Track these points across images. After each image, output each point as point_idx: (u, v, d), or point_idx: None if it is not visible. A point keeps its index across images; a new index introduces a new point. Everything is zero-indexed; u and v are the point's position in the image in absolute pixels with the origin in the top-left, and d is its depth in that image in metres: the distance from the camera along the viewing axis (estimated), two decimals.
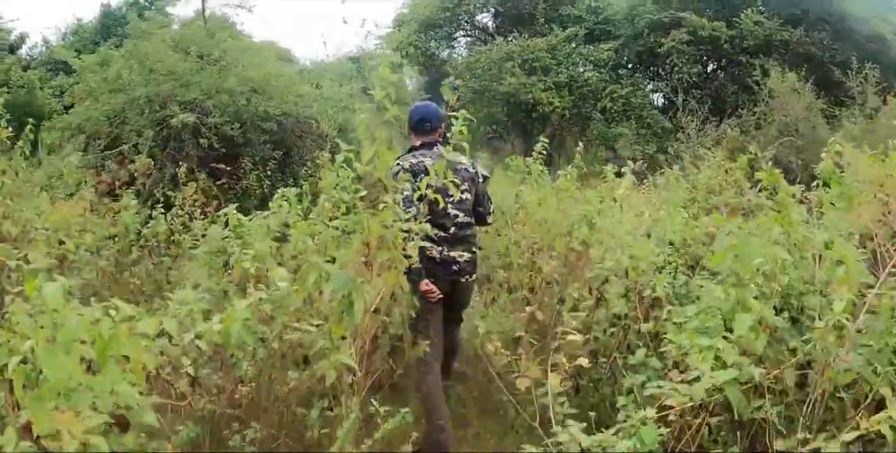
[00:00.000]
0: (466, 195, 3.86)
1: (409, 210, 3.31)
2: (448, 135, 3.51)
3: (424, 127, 3.94)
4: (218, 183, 9.69)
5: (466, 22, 21.94)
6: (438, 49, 21.22)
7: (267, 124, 10.61)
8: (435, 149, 3.78)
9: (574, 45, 17.76)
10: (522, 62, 16.65)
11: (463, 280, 3.86)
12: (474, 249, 3.94)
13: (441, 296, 3.71)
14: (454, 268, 3.80)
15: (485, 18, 22.50)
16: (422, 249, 3.45)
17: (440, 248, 3.75)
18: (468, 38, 22.08)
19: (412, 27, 20.13)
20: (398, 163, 3.77)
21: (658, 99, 18.26)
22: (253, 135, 10.76)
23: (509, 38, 17.34)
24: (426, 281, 3.63)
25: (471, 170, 3.99)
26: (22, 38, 21.70)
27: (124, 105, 10.82)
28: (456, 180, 3.44)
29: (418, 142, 3.95)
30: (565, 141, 17.47)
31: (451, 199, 3.64)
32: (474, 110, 16.65)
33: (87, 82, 11.83)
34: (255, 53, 11.57)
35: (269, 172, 10.80)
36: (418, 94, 23.40)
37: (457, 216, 3.80)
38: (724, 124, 14.49)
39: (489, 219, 4.18)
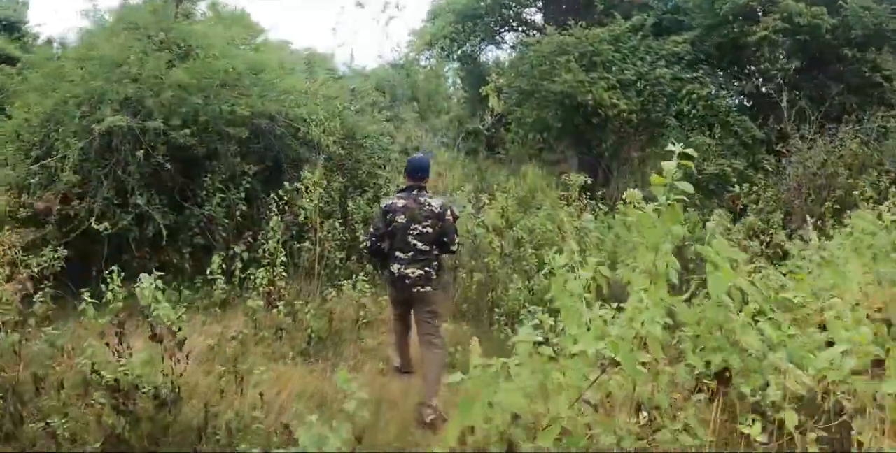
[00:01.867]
0: (428, 229, 5.06)
1: (369, 240, 5.35)
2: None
3: (416, 175, 5.29)
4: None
5: (511, 17, 19.09)
6: (479, 43, 18.33)
7: (236, 129, 7.77)
8: (414, 192, 5.19)
9: (640, 37, 14.62)
10: (580, 56, 13.61)
11: (415, 290, 5.09)
12: (427, 268, 5.07)
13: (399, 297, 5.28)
14: (407, 281, 5.08)
15: (532, 13, 19.61)
16: (387, 265, 5.21)
17: (399, 266, 5.09)
18: (513, 33, 19.15)
19: (448, 19, 17.29)
20: (381, 202, 5.64)
21: (739, 102, 14.95)
22: (220, 144, 7.94)
23: (562, 29, 14.29)
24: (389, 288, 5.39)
25: (437, 210, 5.12)
26: (49, 43, 20.46)
27: (56, 106, 8.13)
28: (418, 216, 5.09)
29: (406, 185, 5.35)
30: (628, 152, 14.37)
31: (414, 232, 5.06)
32: (522, 114, 13.66)
33: (29, 80, 9.17)
34: (229, 39, 8.75)
35: (241, 195, 7.98)
36: (456, 94, 20.59)
37: (416, 245, 5.06)
38: (840, 133, 11.23)
39: (451, 248, 5.28)
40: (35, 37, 21.37)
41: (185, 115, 7.52)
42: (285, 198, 7.35)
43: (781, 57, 14.04)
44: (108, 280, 5.14)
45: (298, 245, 7.45)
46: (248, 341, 6.03)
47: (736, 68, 15.15)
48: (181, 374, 4.62)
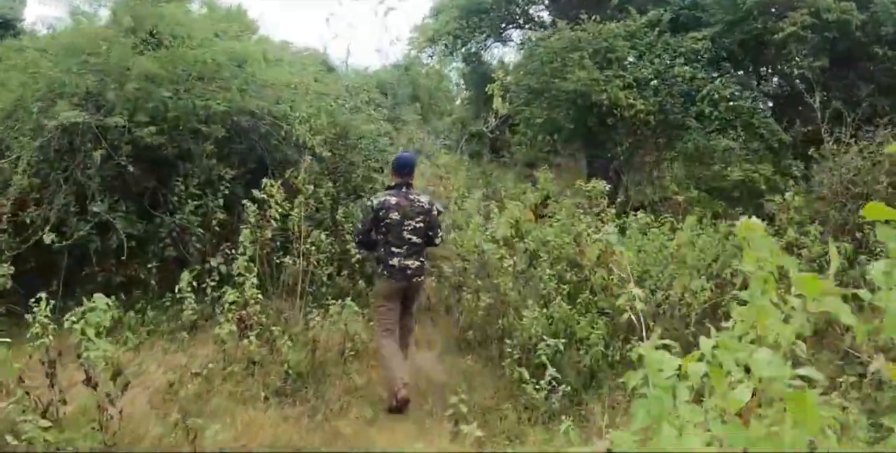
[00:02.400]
0: (420, 224, 5.41)
1: (357, 237, 5.93)
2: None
3: (403, 171, 5.61)
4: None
5: (518, 14, 18.18)
6: (485, 41, 17.40)
7: (212, 127, 6.86)
8: (404, 189, 5.51)
9: (657, 33, 13.66)
10: (593, 52, 12.66)
11: (414, 280, 5.43)
12: (422, 259, 5.49)
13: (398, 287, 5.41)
14: (408, 272, 5.37)
15: (540, 9, 18.67)
16: (384, 260, 5.38)
17: (398, 259, 5.34)
18: (519, 31, 18.23)
19: (452, 14, 16.36)
20: (370, 200, 5.69)
21: (763, 103, 13.99)
22: (195, 143, 7.02)
23: (574, 24, 13.34)
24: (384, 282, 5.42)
25: (426, 206, 5.50)
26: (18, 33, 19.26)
27: (18, 101, 7.24)
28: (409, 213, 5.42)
29: (394, 182, 5.64)
30: (643, 155, 13.42)
31: (408, 227, 5.40)
32: (531, 114, 12.72)
33: None
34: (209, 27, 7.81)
35: (219, 201, 7.08)
36: (460, 94, 19.74)
37: (410, 238, 5.38)
38: (879, 137, 10.28)
39: (436, 242, 5.66)
40: (33, 35, 20.56)
41: (152, 111, 6.60)
42: (268, 203, 6.37)
43: (807, 55, 13.08)
44: (37, 306, 4.21)
45: (279, 260, 6.52)
46: (215, 377, 5.10)
47: (759, 67, 14.19)
48: (117, 429, 3.69)
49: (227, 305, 5.32)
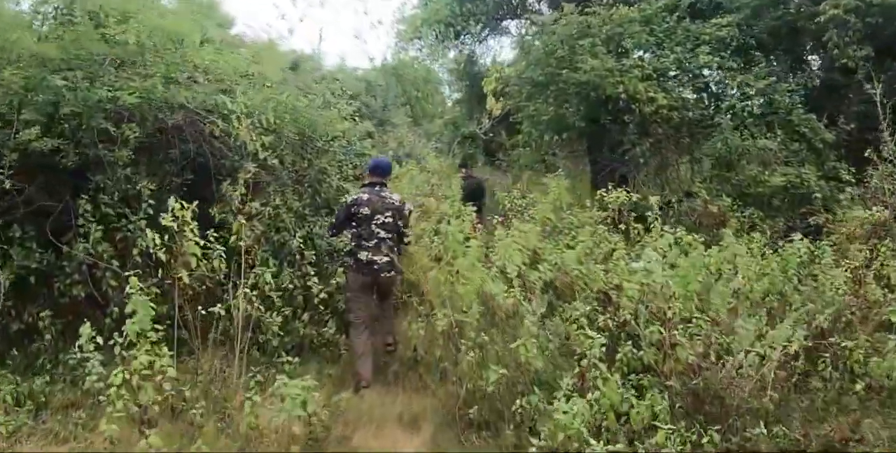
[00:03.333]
0: (388, 219, 5.48)
1: (330, 230, 6.09)
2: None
3: (376, 172, 5.79)
4: None
5: (515, 4, 16.49)
6: (480, 31, 15.73)
7: (122, 127, 5.16)
8: (377, 188, 5.65)
9: (676, 18, 11.97)
10: (606, 39, 10.97)
11: (382, 275, 5.44)
12: (391, 255, 5.46)
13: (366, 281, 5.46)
14: (374, 267, 5.41)
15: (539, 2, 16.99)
16: (354, 253, 5.48)
17: (366, 253, 5.41)
18: (517, 21, 16.53)
19: (444, 1, 14.68)
20: (346, 197, 6.08)
21: (800, 97, 12.28)
22: (104, 149, 5.32)
23: (584, 5, 11.63)
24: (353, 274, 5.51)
25: (396, 203, 5.62)
26: None
27: None
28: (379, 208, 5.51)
29: (367, 181, 5.82)
30: (664, 157, 11.77)
31: (377, 221, 5.48)
32: (535, 110, 11.03)
33: None
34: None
35: (141, 223, 5.38)
36: (453, 93, 18.26)
37: (379, 233, 5.44)
38: None
39: (405, 239, 5.73)
40: None
41: (40, 107, 4.89)
42: (181, 234, 4.63)
43: (849, 43, 11.44)
44: None
45: (205, 310, 4.80)
46: None
47: (793, 57, 12.53)
48: None
49: (113, 391, 3.59)
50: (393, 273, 5.52)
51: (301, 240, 5.93)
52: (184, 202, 4.62)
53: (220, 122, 5.42)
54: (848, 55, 11.40)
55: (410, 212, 5.85)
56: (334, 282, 6.03)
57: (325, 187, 7.18)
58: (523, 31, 16.35)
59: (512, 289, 4.75)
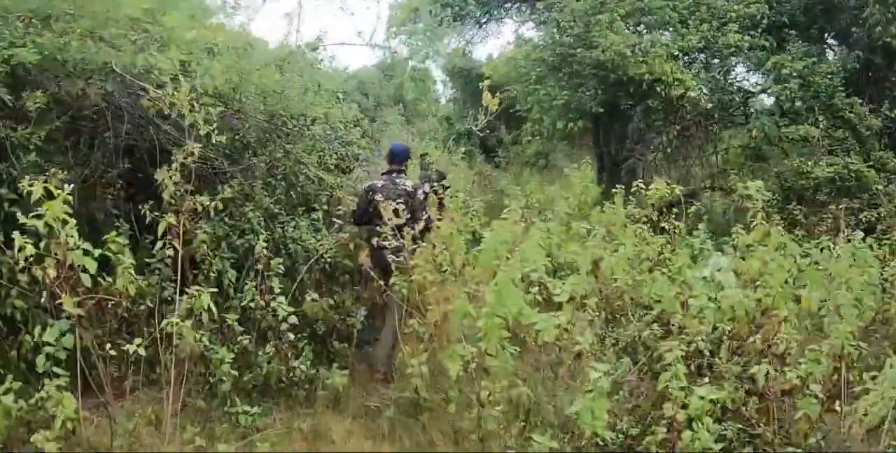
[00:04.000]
0: (401, 206, 5.27)
1: (352, 218, 5.89)
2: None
3: (394, 159, 5.80)
4: None
5: None
6: (482, 15, 14.47)
7: (28, 95, 3.84)
8: (393, 175, 5.70)
9: None
10: (626, 15, 9.69)
11: (390, 259, 5.31)
12: (402, 241, 5.07)
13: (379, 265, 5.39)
14: (385, 251, 5.33)
15: None
16: (370, 238, 5.47)
17: (377, 239, 5.29)
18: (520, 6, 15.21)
19: None
20: (364, 184, 5.99)
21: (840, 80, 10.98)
22: None
23: None
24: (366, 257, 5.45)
25: (409, 189, 5.63)
26: None
27: None
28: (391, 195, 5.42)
29: (386, 169, 5.83)
30: (690, 147, 10.50)
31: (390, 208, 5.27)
32: (547, 95, 9.74)
33: None
34: None
35: None
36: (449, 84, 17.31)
37: (391, 219, 5.13)
38: None
39: (418, 225, 5.45)
40: None
41: None
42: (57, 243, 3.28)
43: (894, 19, 10.21)
44: None
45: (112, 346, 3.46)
46: None
47: (832, 36, 11.29)
48: None
49: None
50: (402, 256, 5.29)
51: (265, 245, 4.59)
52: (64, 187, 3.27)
53: (153, 91, 4.05)
54: (891, 33, 10.17)
55: (426, 195, 5.93)
56: (310, 297, 4.73)
57: (302, 179, 5.87)
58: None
59: (558, 318, 3.37)
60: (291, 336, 4.36)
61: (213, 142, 4.09)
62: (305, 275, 5.08)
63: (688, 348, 3.90)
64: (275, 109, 5.49)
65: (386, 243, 5.20)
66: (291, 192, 5.79)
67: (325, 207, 6.12)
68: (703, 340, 3.87)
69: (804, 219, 8.81)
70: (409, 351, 4.26)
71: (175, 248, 3.75)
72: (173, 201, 3.84)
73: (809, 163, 9.10)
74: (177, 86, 3.92)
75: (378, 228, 5.28)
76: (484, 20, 15.41)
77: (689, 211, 6.47)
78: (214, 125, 4.12)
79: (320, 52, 6.60)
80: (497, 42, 35.82)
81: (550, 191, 6.81)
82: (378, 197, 5.45)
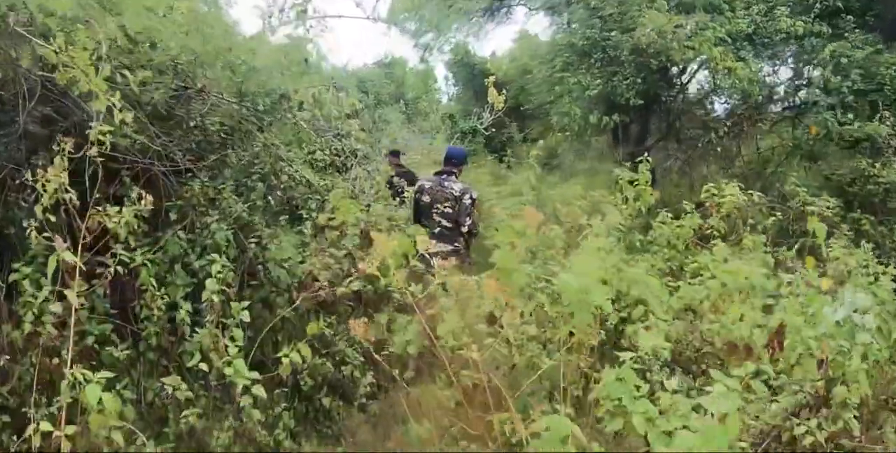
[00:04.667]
0: (448, 209, 5.55)
1: (411, 221, 5.76)
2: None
3: (449, 160, 5.88)
4: None
5: None
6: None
7: None
8: (443, 176, 5.75)
9: None
10: None
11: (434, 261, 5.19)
12: (456, 244, 5.52)
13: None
14: (427, 255, 5.13)
15: None
16: None
17: None
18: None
19: None
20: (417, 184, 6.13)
21: None
22: None
23: None
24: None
25: (456, 193, 5.61)
26: None
27: None
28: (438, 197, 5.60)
29: (440, 169, 5.91)
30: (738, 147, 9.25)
31: (437, 211, 5.55)
32: (577, 85, 8.47)
33: None
34: None
35: None
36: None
37: (440, 222, 5.54)
38: None
39: (463, 229, 5.62)
40: None
41: None
42: None
43: None
44: None
45: None
46: None
47: (892, 22, 10.04)
48: None
49: None
50: (452, 259, 4.76)
51: (224, 268, 3.33)
52: None
53: (38, 43, 2.75)
54: None
55: (474, 201, 5.80)
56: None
57: (285, 179, 4.60)
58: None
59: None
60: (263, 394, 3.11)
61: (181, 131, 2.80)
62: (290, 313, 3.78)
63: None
64: (247, 88, 4.20)
65: (434, 248, 4.39)
66: (269, 197, 4.52)
67: (314, 215, 4.83)
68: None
69: (872, 230, 7.64)
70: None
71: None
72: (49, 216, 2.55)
73: (877, 165, 7.88)
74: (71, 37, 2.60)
75: (427, 230, 5.10)
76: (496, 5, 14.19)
77: (768, 224, 5.23)
78: (153, 99, 2.84)
79: (311, 24, 5.22)
80: (504, 36, 35.07)
81: (593, 197, 5.50)
82: (425, 198, 5.61)
